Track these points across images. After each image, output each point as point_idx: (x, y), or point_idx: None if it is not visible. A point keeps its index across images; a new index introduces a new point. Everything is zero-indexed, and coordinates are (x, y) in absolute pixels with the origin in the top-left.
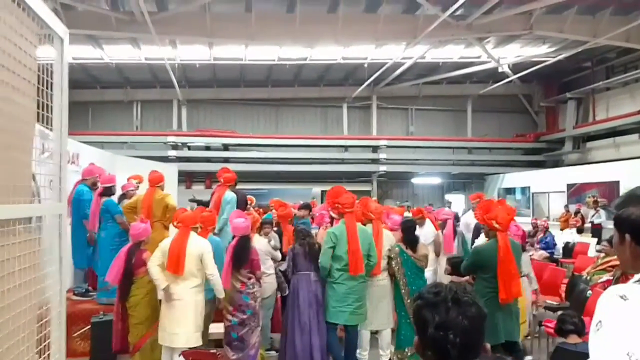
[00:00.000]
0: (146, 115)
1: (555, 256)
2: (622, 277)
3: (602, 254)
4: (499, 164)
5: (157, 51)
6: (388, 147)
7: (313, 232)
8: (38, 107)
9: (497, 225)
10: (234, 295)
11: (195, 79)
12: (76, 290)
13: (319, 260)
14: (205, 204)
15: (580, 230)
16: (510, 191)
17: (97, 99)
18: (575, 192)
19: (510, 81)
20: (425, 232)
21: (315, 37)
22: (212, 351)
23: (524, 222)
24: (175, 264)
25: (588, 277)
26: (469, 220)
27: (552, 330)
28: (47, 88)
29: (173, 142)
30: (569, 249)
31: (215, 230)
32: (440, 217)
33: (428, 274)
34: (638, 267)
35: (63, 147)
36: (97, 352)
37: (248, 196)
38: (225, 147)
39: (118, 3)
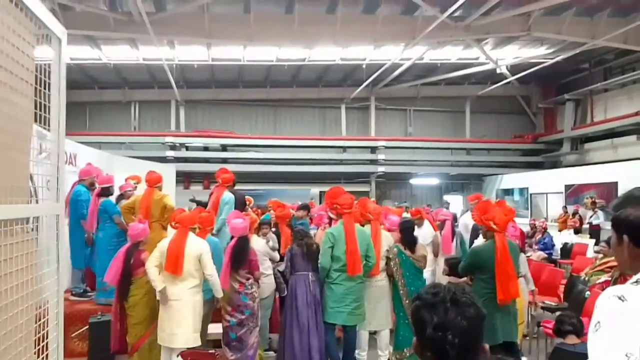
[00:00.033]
0: (144, 115)
1: (553, 257)
2: (621, 278)
3: (601, 255)
4: (497, 165)
5: (155, 52)
6: (386, 147)
7: (312, 232)
8: (36, 108)
9: (494, 226)
10: (232, 296)
11: (194, 79)
12: (74, 290)
13: (319, 261)
14: (205, 205)
15: (577, 231)
16: (508, 192)
17: (94, 100)
18: (574, 193)
19: (509, 82)
20: (424, 233)
21: (314, 38)
22: (210, 351)
23: (522, 223)
24: (173, 265)
25: (586, 278)
26: (467, 221)
27: (550, 331)
28: (44, 88)
29: (171, 142)
30: (567, 250)
31: (214, 231)
32: (438, 218)
33: (426, 274)
34: (636, 268)
35: (61, 147)
36: (95, 353)
37: (246, 197)
38: (224, 148)
39: (116, 3)
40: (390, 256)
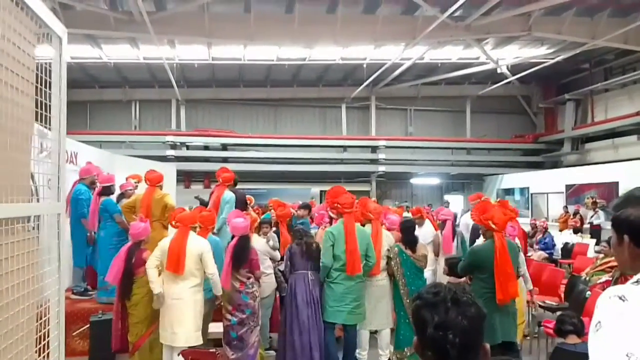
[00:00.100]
0: (145, 114)
1: (554, 257)
2: (621, 278)
3: (601, 255)
4: (497, 164)
5: (155, 51)
6: (387, 147)
7: (312, 232)
8: (36, 107)
9: (493, 226)
10: (233, 295)
11: (194, 78)
12: (75, 289)
13: (322, 260)
14: (206, 204)
15: (576, 231)
16: (509, 192)
17: (95, 99)
18: (574, 193)
19: (509, 82)
20: (425, 232)
21: (314, 37)
22: (211, 350)
23: (523, 223)
24: (175, 264)
25: (587, 278)
26: (468, 220)
27: (551, 331)
28: (45, 87)
29: (172, 141)
30: (568, 250)
31: (214, 230)
32: (439, 217)
33: (427, 274)
34: (636, 268)
35: (61, 146)
36: (96, 351)
37: (247, 196)
38: (224, 147)
39: (117, 3)
40: (391, 255)
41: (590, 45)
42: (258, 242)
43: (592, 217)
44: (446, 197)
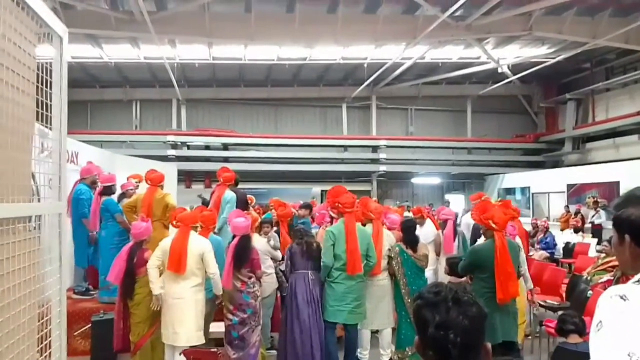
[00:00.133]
0: (145, 114)
1: (555, 256)
2: (623, 278)
3: (603, 254)
4: (498, 164)
5: (156, 50)
6: (388, 147)
7: (314, 231)
8: (37, 106)
9: (494, 225)
10: (234, 294)
11: (195, 78)
12: (76, 289)
13: (322, 260)
14: (208, 204)
15: (576, 230)
16: (510, 191)
17: (96, 98)
18: (575, 192)
19: (510, 82)
20: (426, 232)
21: (315, 37)
22: (212, 350)
23: (524, 223)
24: (176, 263)
25: (588, 277)
26: (469, 220)
27: (552, 330)
28: (46, 87)
29: (172, 141)
30: (569, 249)
31: (215, 230)
32: (440, 217)
33: (428, 273)
34: (637, 268)
35: (62, 146)
36: (97, 351)
37: (248, 196)
38: (225, 147)
39: (117, 2)
40: (392, 255)
41: (591, 45)
42: (259, 242)
43: (593, 216)
44: (447, 196)
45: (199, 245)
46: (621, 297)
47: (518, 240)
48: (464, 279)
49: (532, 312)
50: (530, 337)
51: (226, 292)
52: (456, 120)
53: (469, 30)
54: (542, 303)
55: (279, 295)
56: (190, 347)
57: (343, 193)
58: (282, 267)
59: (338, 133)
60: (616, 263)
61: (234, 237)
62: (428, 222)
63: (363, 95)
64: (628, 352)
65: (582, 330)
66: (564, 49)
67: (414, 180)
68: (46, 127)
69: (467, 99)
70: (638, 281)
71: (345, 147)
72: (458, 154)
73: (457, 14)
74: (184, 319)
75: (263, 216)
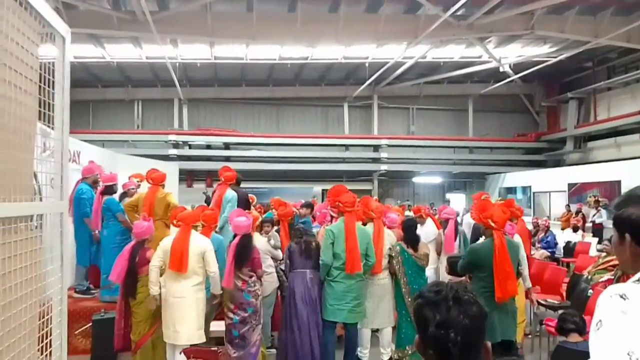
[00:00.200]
0: (147, 114)
1: (556, 255)
2: (623, 277)
3: (603, 254)
4: (500, 163)
5: (158, 50)
6: (389, 146)
7: (315, 230)
8: (40, 106)
9: (492, 224)
10: (235, 293)
11: (196, 78)
12: (77, 288)
13: (321, 258)
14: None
15: (575, 229)
16: (511, 191)
17: (98, 98)
18: (577, 191)
19: (512, 81)
20: (427, 231)
21: (317, 36)
22: (213, 349)
23: (526, 222)
24: (178, 262)
25: (589, 277)
26: (471, 219)
27: (553, 329)
28: (48, 86)
29: (174, 140)
30: (570, 248)
31: (217, 229)
32: (442, 216)
33: (429, 272)
34: (638, 267)
35: (64, 145)
36: (98, 350)
37: (249, 195)
38: (226, 146)
39: (119, 2)
40: (393, 254)
41: (593, 44)
42: (259, 241)
43: (594, 215)
44: (448, 195)
45: (200, 244)
46: (621, 296)
47: (518, 238)
48: (464, 277)
49: (532, 311)
50: (530, 336)
51: (227, 291)
52: (458, 119)
53: (470, 30)
54: (542, 302)
55: (279, 294)
56: (191, 345)
57: (343, 192)
58: (283, 267)
59: (339, 132)
60: (617, 262)
61: (235, 236)
62: (429, 221)
63: (364, 95)
64: (628, 351)
65: (582, 330)
66: (566, 48)
67: (415, 179)
68: (48, 126)
69: (468, 98)
70: (638, 280)
71: (346, 147)
72: (459, 153)
73: (459, 13)
74: (185, 318)
75: (264, 215)
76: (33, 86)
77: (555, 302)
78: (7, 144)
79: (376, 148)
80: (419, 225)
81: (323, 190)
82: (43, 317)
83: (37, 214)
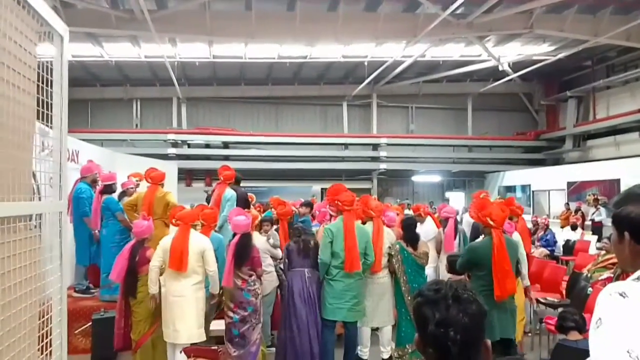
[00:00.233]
0: (146, 113)
1: (555, 254)
2: (623, 275)
3: (603, 252)
4: (499, 162)
5: (156, 49)
6: (388, 145)
7: (314, 229)
8: (38, 105)
9: (491, 222)
10: (235, 292)
11: (195, 77)
12: (77, 287)
13: (319, 257)
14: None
15: (575, 227)
16: (510, 189)
17: (96, 97)
18: (576, 190)
19: (511, 79)
20: (426, 230)
21: (316, 35)
22: (213, 348)
23: (525, 220)
24: (178, 261)
25: (589, 275)
26: (470, 218)
27: (552, 327)
28: (47, 86)
29: (173, 139)
30: (569, 247)
31: (216, 228)
32: (442, 215)
33: (429, 271)
34: (637, 265)
35: (63, 144)
36: (98, 349)
37: (249, 194)
38: (225, 145)
39: (118, 1)
40: (392, 253)
41: (592, 43)
42: (258, 240)
43: (593, 214)
44: (447, 194)
45: (199, 243)
46: (620, 295)
47: (517, 237)
48: (464, 276)
49: (532, 309)
50: (530, 334)
51: (227, 290)
52: (457, 118)
53: (469, 28)
54: (542, 300)
55: (279, 293)
56: (191, 344)
57: (342, 191)
58: (282, 266)
59: (339, 131)
60: (616, 260)
61: (234, 235)
62: (428, 219)
63: (364, 94)
64: (627, 349)
65: (582, 328)
66: (565, 47)
67: (415, 178)
68: (47, 125)
69: (467, 97)
70: (637, 278)
71: (345, 145)
72: (458, 152)
73: (458, 11)
74: (185, 317)
75: (263, 214)
76: (31, 85)
77: (555, 300)
78: (6, 143)
79: (375, 147)
80: (418, 224)
81: (322, 189)
82: (43, 316)
83: (36, 213)
